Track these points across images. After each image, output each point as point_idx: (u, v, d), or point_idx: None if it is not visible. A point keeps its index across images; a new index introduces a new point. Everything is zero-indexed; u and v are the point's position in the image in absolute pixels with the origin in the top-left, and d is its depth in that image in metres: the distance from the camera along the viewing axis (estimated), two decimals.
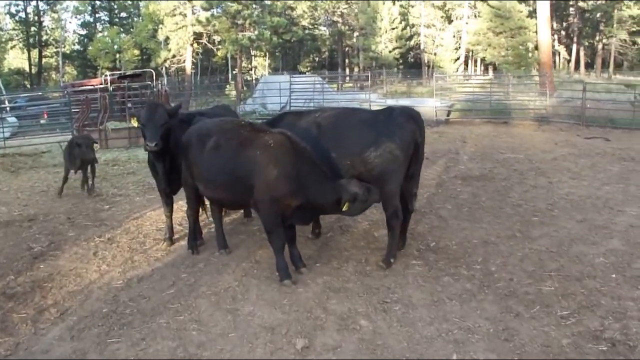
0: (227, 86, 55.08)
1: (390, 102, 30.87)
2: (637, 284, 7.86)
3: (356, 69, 79.83)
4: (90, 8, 77.24)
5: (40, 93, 44.90)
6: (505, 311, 7.14)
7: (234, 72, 61.71)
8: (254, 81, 56.75)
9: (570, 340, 6.42)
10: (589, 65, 78.70)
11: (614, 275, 8.19)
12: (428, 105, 27.85)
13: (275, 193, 7.93)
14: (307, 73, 71.59)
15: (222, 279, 8.41)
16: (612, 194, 12.86)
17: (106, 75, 34.37)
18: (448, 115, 28.77)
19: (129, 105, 25.93)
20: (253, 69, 78.86)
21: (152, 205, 12.76)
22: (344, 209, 8.00)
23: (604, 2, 70.14)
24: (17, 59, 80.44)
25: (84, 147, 13.50)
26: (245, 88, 50.10)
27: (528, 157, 17.91)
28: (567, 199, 12.50)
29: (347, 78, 67.55)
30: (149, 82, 31.67)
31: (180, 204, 10.80)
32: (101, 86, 29.41)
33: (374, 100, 30.99)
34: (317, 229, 10.18)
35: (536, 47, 47.94)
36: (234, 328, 6.87)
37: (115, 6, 78.93)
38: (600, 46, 73.85)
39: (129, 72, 42.02)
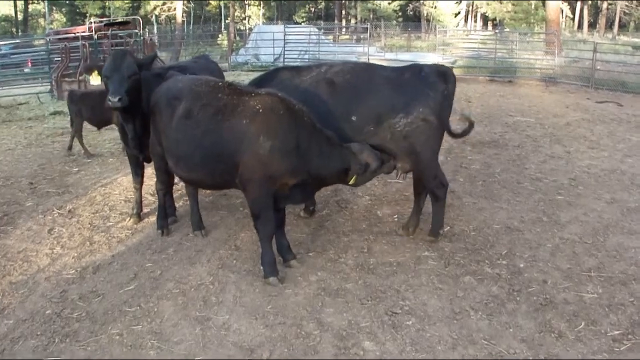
0: (220, 36, 53.09)
1: (390, 55, 29.61)
2: None
3: (353, 21, 77.83)
4: None
5: (18, 41, 42.90)
6: (544, 329, 5.73)
7: (227, 21, 59.72)
8: (247, 31, 54.82)
9: None
10: (592, 25, 76.87)
11: None
12: (429, 60, 26.26)
13: (269, 171, 6.42)
14: (302, 24, 69.52)
15: (193, 271, 6.99)
16: (636, 168, 11.62)
17: (91, 23, 32.49)
18: None
19: None
20: (247, 19, 76.63)
21: (125, 168, 11.19)
22: (351, 182, 6.86)
23: None
24: (5, 5, 77.61)
25: None
26: (237, 38, 48.21)
27: (539, 122, 16.57)
28: (589, 172, 11.23)
29: (344, 30, 65.50)
30: (136, 31, 29.91)
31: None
32: (85, 34, 27.61)
33: (373, 53, 29.48)
34: (312, 206, 8.74)
35: (543, 4, 46.20)
36: (202, 347, 5.43)
37: None
38: (604, 5, 71.80)
39: (118, 19, 40.04)
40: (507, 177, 10.84)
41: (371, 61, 22.03)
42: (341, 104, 7.32)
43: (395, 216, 8.76)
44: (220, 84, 7.08)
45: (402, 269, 7.01)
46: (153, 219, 8.49)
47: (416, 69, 7.56)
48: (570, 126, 15.95)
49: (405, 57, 27.45)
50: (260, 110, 6.49)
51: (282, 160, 6.41)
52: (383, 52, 33.81)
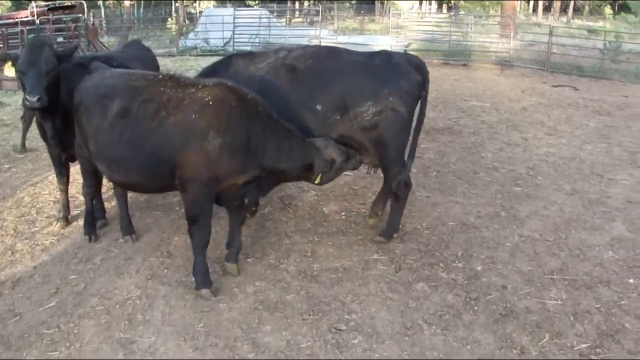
0: (169, 19, 51.81)
1: (342, 38, 28.99)
2: None
3: (306, 3, 76.87)
4: None
5: None
6: (504, 344, 5.19)
7: (176, 4, 58.45)
8: (198, 14, 53.61)
9: None
10: (546, 9, 76.95)
11: (631, 281, 6.38)
12: (382, 44, 25.72)
13: (216, 171, 5.79)
14: (255, 6, 68.50)
15: (120, 283, 6.28)
16: (595, 155, 11.24)
17: (32, 7, 31.14)
18: None
19: (60, 39, 23.32)
20: (197, 1, 75.28)
21: None
22: (317, 181, 6.41)
23: None
24: None
25: None
26: (187, 22, 47.06)
27: (495, 107, 16.09)
28: (547, 161, 10.80)
29: (297, 12, 64.57)
30: (81, 15, 28.68)
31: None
32: (27, 19, 26.29)
33: (325, 37, 28.87)
34: (253, 205, 8.01)
35: None
36: None
37: None
38: None
39: (65, 3, 38.51)
40: (462, 167, 10.32)
41: (323, 44, 21.43)
42: (304, 91, 6.77)
43: (343, 213, 8.14)
44: (160, 77, 6.28)
45: (349, 275, 6.40)
46: (82, 222, 7.70)
47: (386, 56, 7.06)
48: (527, 111, 15.53)
49: (359, 40, 26.96)
50: (210, 103, 5.82)
51: (231, 159, 5.81)
52: (336, 35, 33.14)
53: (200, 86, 5.99)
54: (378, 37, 30.58)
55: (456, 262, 6.73)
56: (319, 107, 6.70)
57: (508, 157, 10.95)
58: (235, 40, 30.60)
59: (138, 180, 6.20)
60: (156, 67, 8.78)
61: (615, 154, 11.38)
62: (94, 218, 7.43)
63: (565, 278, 6.37)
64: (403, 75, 6.83)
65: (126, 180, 6.33)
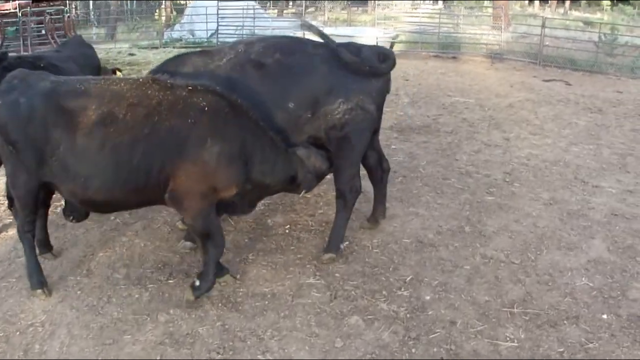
0: (156, 11, 50.95)
1: (328, 30, 28.18)
2: None
3: None
4: None
5: None
6: None
7: None
8: (186, 6, 53.00)
9: None
10: None
11: (604, 317, 5.50)
12: (368, 35, 24.86)
13: (214, 182, 5.34)
14: None
15: (29, 306, 5.58)
16: (582, 158, 10.38)
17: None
18: (391, 47, 25.86)
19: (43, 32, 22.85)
20: None
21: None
22: (303, 194, 6.47)
23: None
24: None
25: None
26: (175, 13, 46.26)
27: (480, 103, 15.21)
28: (528, 164, 9.93)
29: (291, 3, 63.71)
30: (63, 7, 27.84)
31: None
32: (6, 11, 25.31)
33: None
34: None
35: None
36: None
37: None
38: None
39: None
40: (432, 171, 9.47)
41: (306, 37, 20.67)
42: (277, 89, 6.21)
43: (287, 227, 7.30)
44: (141, 80, 5.52)
45: (275, 304, 5.58)
46: (12, 232, 6.99)
47: (354, 49, 6.49)
48: (513, 108, 14.67)
49: (345, 32, 26.11)
50: (206, 109, 5.33)
51: (229, 167, 5.40)
52: (323, 26, 32.42)
53: (191, 90, 5.42)
54: (365, 29, 29.75)
55: (402, 289, 5.87)
56: (291, 106, 6.18)
57: (485, 160, 10.12)
58: (220, 32, 29.91)
59: (120, 196, 5.41)
60: (95, 66, 8.17)
61: (604, 156, 10.56)
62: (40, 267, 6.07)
63: (527, 312, 5.51)
64: (372, 70, 6.36)
65: (108, 197, 5.42)
